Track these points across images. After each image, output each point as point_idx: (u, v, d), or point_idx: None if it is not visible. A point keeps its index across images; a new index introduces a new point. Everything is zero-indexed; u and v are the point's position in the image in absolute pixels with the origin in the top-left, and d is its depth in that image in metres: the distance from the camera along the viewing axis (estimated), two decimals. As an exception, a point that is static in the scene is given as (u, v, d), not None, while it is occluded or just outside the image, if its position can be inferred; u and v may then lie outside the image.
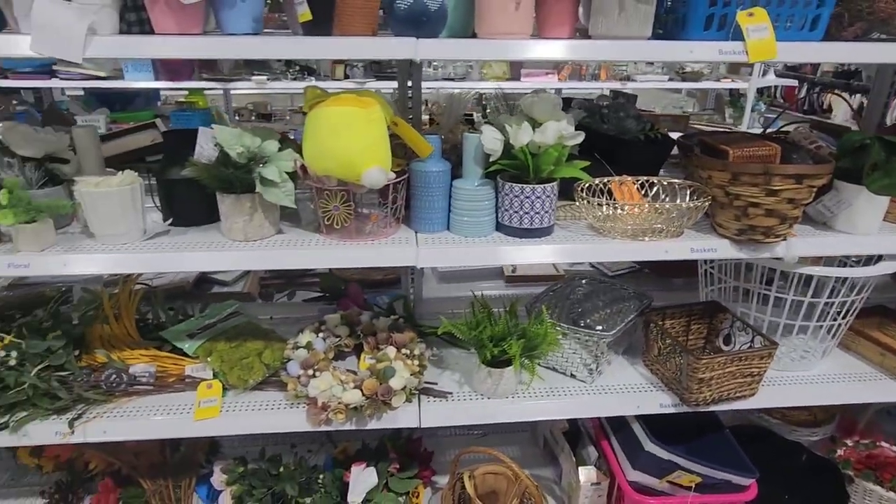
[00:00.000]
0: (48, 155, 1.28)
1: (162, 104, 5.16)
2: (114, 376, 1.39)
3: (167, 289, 1.89)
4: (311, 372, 1.35)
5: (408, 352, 1.42)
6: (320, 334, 1.49)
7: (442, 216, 1.34)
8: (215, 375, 1.43)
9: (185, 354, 1.47)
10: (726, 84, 4.71)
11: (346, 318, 1.56)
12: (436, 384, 1.46)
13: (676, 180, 1.41)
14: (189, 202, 1.32)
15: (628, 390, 1.48)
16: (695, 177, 1.39)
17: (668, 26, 1.28)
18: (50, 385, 1.33)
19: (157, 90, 5.12)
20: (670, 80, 4.66)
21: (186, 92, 5.02)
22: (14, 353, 1.33)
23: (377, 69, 4.54)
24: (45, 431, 1.30)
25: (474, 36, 1.24)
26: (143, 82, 4.46)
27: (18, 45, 1.04)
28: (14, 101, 5.11)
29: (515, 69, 4.33)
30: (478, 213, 1.31)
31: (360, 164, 1.15)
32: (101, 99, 4.96)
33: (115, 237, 1.23)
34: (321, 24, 1.17)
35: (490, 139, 1.26)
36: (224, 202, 1.24)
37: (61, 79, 4.35)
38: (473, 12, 1.23)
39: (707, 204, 1.28)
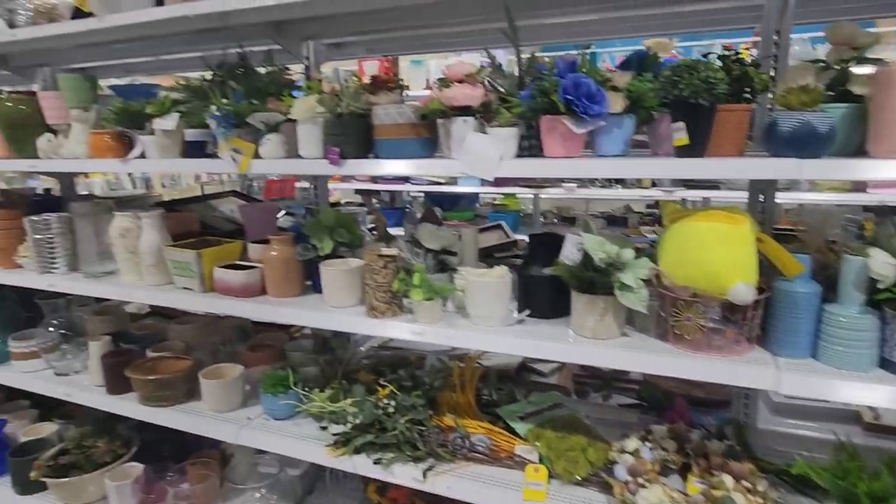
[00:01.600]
0: (443, 248, 1.62)
1: (480, 205, 6.01)
2: (458, 440, 1.60)
3: (497, 370, 2.11)
4: (639, 480, 1.33)
5: (749, 485, 1.29)
6: (647, 444, 1.47)
7: (807, 341, 1.23)
8: (541, 460, 1.53)
9: (515, 434, 1.61)
10: None
11: (674, 432, 1.51)
12: (780, 532, 1.29)
13: None
14: (544, 297, 1.49)
15: None
16: None
17: None
18: (412, 435, 1.60)
19: (476, 194, 5.96)
20: None
21: (502, 195, 5.77)
22: (392, 403, 1.65)
23: (685, 179, 4.51)
24: (405, 474, 1.55)
25: (862, 154, 1.17)
26: (470, 188, 5.28)
27: (452, 167, 1.37)
28: (374, 200, 6.57)
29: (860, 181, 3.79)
30: (857, 344, 1.16)
31: (726, 278, 1.15)
32: (434, 200, 6.04)
33: (487, 319, 1.46)
34: (694, 146, 1.26)
35: (881, 264, 1.13)
36: (579, 300, 1.37)
37: (413, 184, 5.48)
38: (858, 129, 1.17)
39: None
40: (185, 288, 1.88)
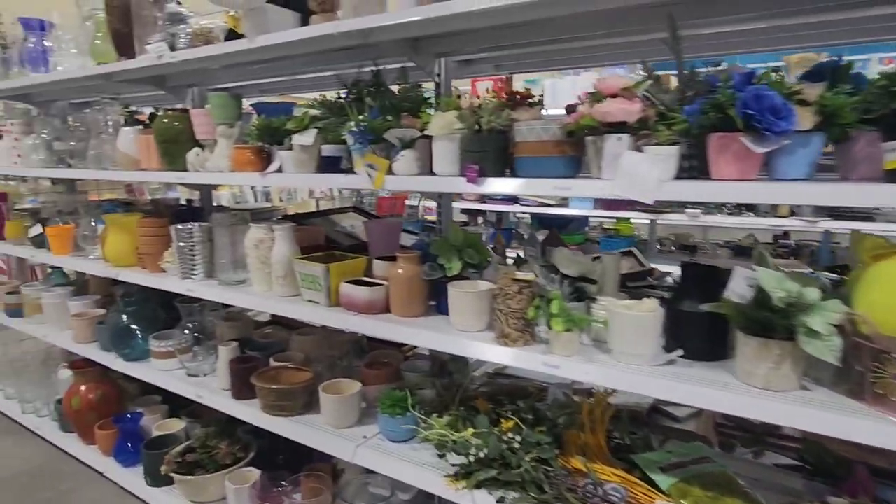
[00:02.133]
0: (581, 274, 1.49)
1: (590, 229, 5.77)
2: (590, 486, 1.45)
3: (627, 411, 1.94)
4: (820, 564, 1.12)
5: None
6: (823, 518, 1.24)
7: None
8: (688, 522, 1.34)
9: (656, 487, 1.44)
10: None
11: (858, 508, 1.27)
12: None
13: None
14: (700, 336, 1.33)
15: None
16: None
17: None
18: (538, 475, 1.48)
19: (586, 217, 5.71)
20: None
21: (615, 220, 5.49)
22: (517, 438, 1.54)
23: (830, 208, 4.04)
24: (531, 519, 1.43)
25: None
26: (581, 210, 5.08)
27: (602, 189, 1.26)
28: (479, 219, 6.54)
29: None
30: None
31: (959, 332, 0.94)
32: (542, 222, 5.89)
33: (632, 357, 1.32)
34: (903, 170, 1.05)
35: None
36: (748, 345, 1.19)
37: (521, 205, 5.37)
38: None
39: None
40: (311, 301, 1.90)
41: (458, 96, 1.55)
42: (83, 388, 2.73)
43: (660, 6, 1.38)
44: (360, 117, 1.66)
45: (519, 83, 5.29)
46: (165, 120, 2.20)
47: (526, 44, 1.97)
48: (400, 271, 1.73)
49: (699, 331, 1.32)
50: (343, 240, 2.52)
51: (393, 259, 1.84)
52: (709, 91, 1.21)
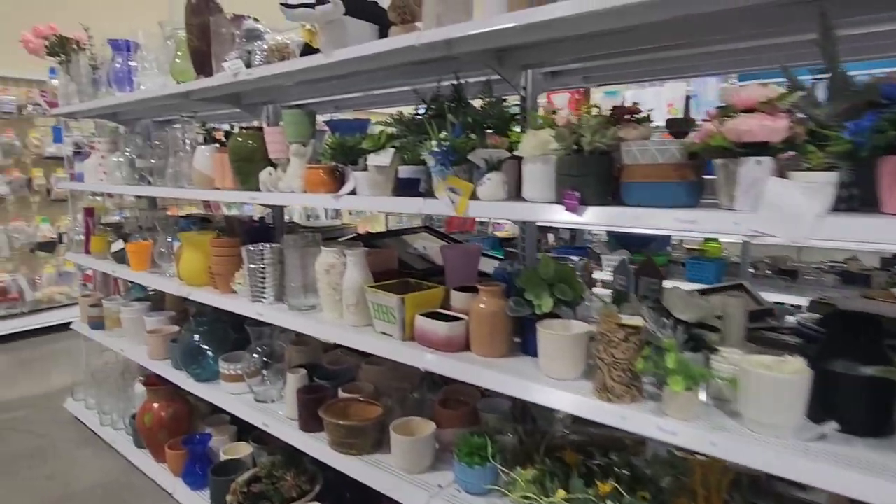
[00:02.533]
0: (699, 321, 1.27)
1: (673, 248, 5.38)
2: (710, 576, 1.22)
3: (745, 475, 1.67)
4: None
5: None
6: None
7: None
8: None
9: (793, 583, 1.18)
10: None
11: None
12: None
13: None
14: (862, 406, 1.07)
15: None
16: None
17: None
18: (644, 556, 1.26)
19: (668, 235, 5.31)
20: None
21: (702, 239, 5.09)
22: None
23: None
24: None
25: None
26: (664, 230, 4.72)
27: (736, 223, 1.04)
28: (550, 236, 6.28)
29: None
30: None
31: None
32: (620, 240, 5.55)
33: (770, 428, 1.08)
34: None
35: None
36: (937, 425, 0.93)
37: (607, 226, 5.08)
38: None
39: None
40: (383, 333, 1.76)
41: (554, 111, 1.36)
42: (155, 405, 2.73)
43: (806, 3, 1.15)
44: (442, 136, 1.51)
45: (597, 96, 5.04)
46: (240, 138, 2.15)
47: (617, 53, 1.77)
48: (482, 306, 1.56)
49: (860, 399, 1.07)
50: (416, 263, 2.38)
51: (473, 290, 1.68)
52: (873, 104, 0.98)
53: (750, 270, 4.51)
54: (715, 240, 4.92)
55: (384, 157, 1.62)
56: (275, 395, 2.34)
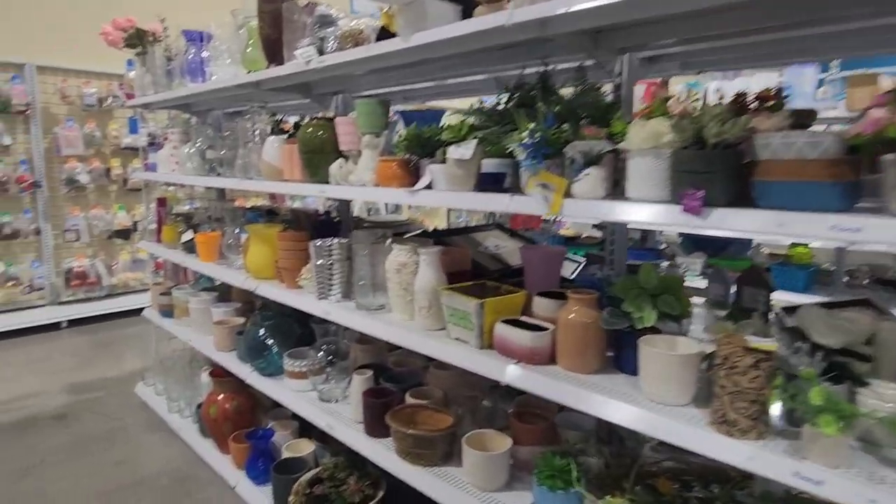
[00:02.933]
0: (845, 346, 1.07)
1: (752, 252, 4.99)
2: None
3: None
4: None
5: None
6: None
7: None
8: None
9: None
10: None
11: None
12: None
13: None
14: None
15: None
16: None
17: None
18: None
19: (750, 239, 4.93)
20: None
21: (788, 243, 4.69)
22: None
23: None
24: None
25: None
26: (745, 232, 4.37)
27: None
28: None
29: None
30: None
31: None
32: (696, 243, 5.21)
33: (950, 487, 0.88)
34: None
35: None
36: None
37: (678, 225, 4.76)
38: None
39: None
40: (458, 339, 1.63)
41: (667, 99, 1.19)
42: (220, 396, 2.72)
43: None
44: (532, 126, 1.35)
45: (676, 87, 4.73)
46: (309, 129, 2.07)
47: (718, 36, 1.57)
48: (572, 316, 1.40)
49: None
50: (488, 263, 2.24)
51: (558, 296, 1.52)
52: None
53: (844, 278, 4.11)
54: (803, 244, 4.53)
55: (466, 150, 1.48)
56: (338, 394, 2.26)
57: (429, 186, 1.67)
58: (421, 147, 1.66)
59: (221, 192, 3.81)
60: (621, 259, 1.73)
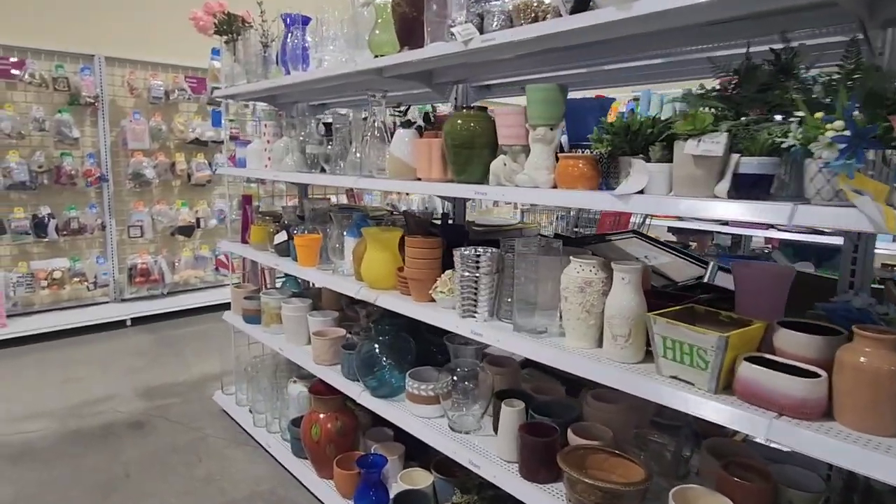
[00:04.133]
0: None
1: (880, 267, 4.52)
2: None
3: None
4: None
5: None
6: None
7: None
8: None
9: None
10: None
11: None
12: None
13: None
14: None
15: None
16: None
17: None
18: None
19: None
20: None
21: (908, 253, 4.24)
22: None
23: None
24: None
25: None
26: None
27: None
28: (692, 243, 5.59)
29: None
30: None
31: None
32: (798, 251, 4.78)
33: None
34: None
35: None
36: None
37: (778, 229, 4.36)
38: None
39: None
40: (676, 378, 1.33)
41: None
42: (321, 416, 2.47)
43: None
44: (818, 116, 1.04)
45: None
46: (459, 121, 1.79)
47: None
48: (863, 360, 1.08)
49: None
50: (652, 280, 1.94)
51: (812, 329, 1.21)
52: None
53: None
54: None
55: (715, 144, 1.17)
56: (472, 423, 1.99)
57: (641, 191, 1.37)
58: (629, 141, 1.36)
59: (304, 191, 3.58)
60: (868, 276, 1.41)
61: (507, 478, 1.71)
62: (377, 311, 2.62)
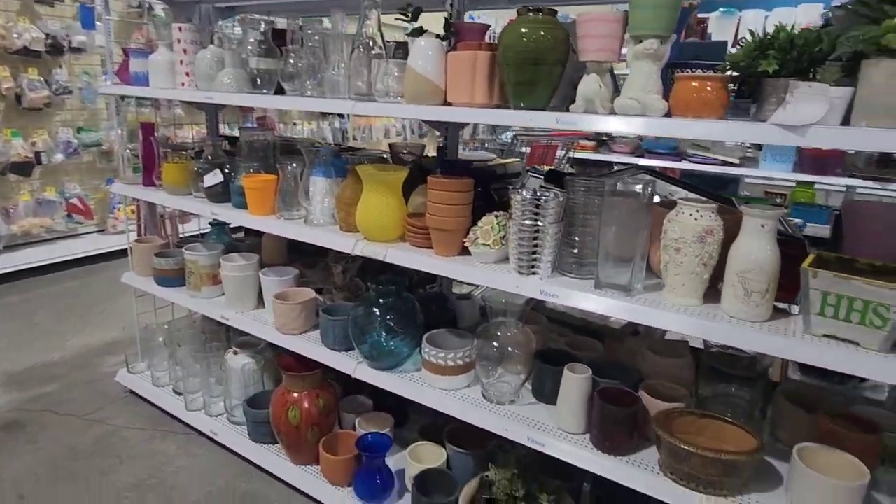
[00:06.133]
0: None
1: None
2: None
3: None
4: None
5: None
6: None
7: None
8: None
9: None
10: None
11: None
12: None
13: None
14: None
15: None
16: None
17: None
18: None
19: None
20: None
21: (794, 184, 4.65)
22: None
23: None
24: None
25: None
26: (777, 172, 4.27)
27: None
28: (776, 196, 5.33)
29: None
30: None
31: None
32: (710, 182, 5.04)
33: None
34: None
35: None
36: None
37: (691, 161, 4.54)
38: None
39: None
40: (832, 336, 1.18)
41: None
42: (298, 395, 2.05)
43: None
44: None
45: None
46: (523, 28, 1.40)
47: None
48: None
49: None
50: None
51: None
52: None
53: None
54: (811, 185, 4.47)
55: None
56: (510, 393, 1.73)
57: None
58: (795, 60, 1.12)
59: (214, 120, 2.88)
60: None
61: (578, 453, 1.50)
62: (354, 267, 2.20)
